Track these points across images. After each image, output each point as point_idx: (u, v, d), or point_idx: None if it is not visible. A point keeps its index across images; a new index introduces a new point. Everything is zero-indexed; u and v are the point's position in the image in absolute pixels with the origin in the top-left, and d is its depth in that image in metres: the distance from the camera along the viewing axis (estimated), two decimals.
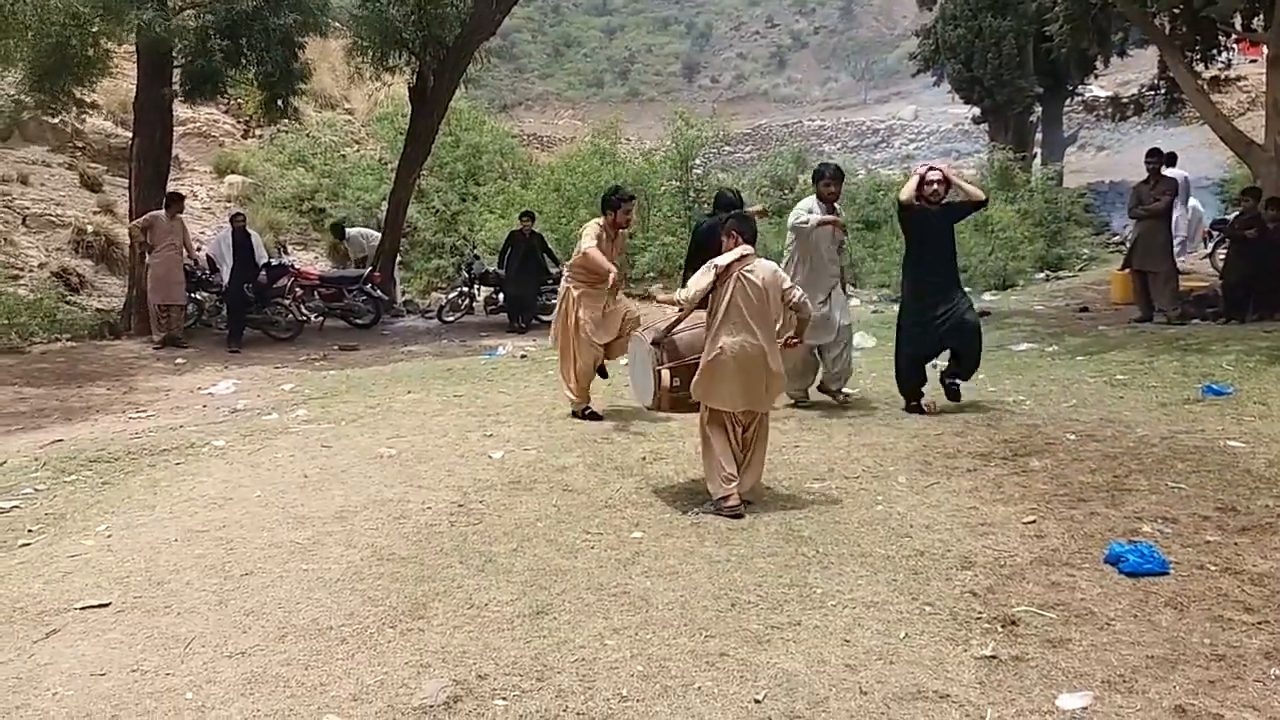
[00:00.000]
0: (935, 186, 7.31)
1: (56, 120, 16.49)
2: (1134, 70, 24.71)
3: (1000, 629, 3.58)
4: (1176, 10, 12.02)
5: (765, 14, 63.79)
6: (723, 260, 5.14)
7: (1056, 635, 3.51)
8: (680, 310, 5.37)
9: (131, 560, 4.62)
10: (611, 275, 7.15)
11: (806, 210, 7.50)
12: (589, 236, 7.37)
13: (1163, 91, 17.68)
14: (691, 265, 7.27)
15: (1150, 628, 3.54)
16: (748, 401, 5.13)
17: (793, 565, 4.28)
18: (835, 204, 7.63)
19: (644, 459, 6.23)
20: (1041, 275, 16.67)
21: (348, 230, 16.54)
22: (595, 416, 7.51)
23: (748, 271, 5.09)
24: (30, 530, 5.19)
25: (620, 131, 21.55)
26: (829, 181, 7.49)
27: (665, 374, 5.33)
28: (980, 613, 3.72)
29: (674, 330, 5.43)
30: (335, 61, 22.12)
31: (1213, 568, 4.04)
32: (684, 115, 20.93)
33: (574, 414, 7.55)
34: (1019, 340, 10.36)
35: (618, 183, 16.19)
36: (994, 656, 3.37)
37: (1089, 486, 5.25)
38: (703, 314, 5.28)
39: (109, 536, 5.01)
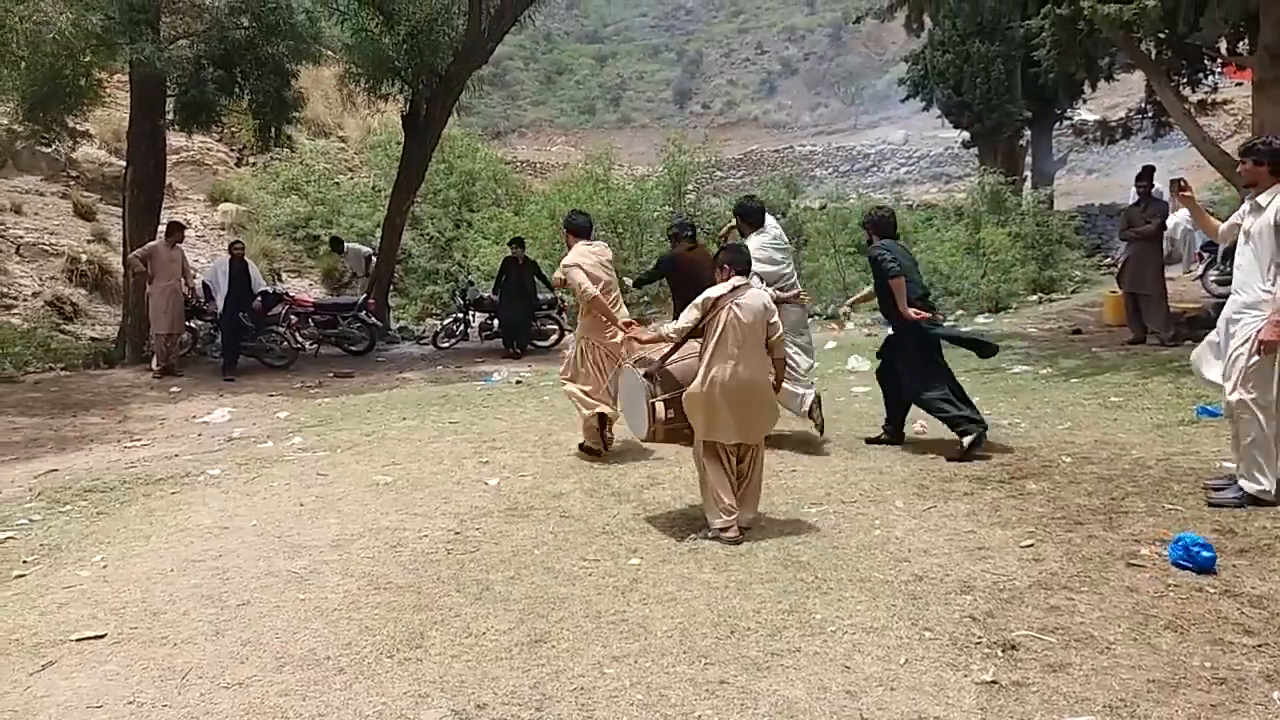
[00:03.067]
0: None
1: (50, 149, 16.57)
2: (1121, 94, 24.91)
3: (1000, 654, 3.58)
4: (1162, 36, 12.12)
5: (755, 41, 64.25)
6: (714, 292, 5.15)
7: (1057, 659, 3.51)
8: (671, 342, 5.36)
9: (127, 591, 4.59)
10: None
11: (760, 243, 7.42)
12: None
13: (1150, 115, 17.83)
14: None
15: (1151, 651, 3.54)
16: (741, 434, 5.12)
17: (791, 591, 4.27)
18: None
19: (641, 485, 6.22)
20: (1034, 298, 16.72)
21: (346, 245, 16.64)
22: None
23: (739, 303, 5.10)
24: (25, 561, 5.17)
25: (613, 158, 21.65)
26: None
27: (660, 406, 5.31)
28: (980, 637, 3.72)
29: (667, 361, 5.42)
30: (328, 89, 22.30)
31: (1212, 590, 4.04)
32: (676, 141, 21.06)
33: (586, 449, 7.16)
34: (1013, 363, 10.38)
35: (611, 210, 16.33)
36: (995, 681, 3.36)
37: (1086, 509, 5.25)
38: (697, 344, 5.28)
39: (104, 567, 4.99)
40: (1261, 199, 5.13)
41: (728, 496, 5.08)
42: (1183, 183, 5.86)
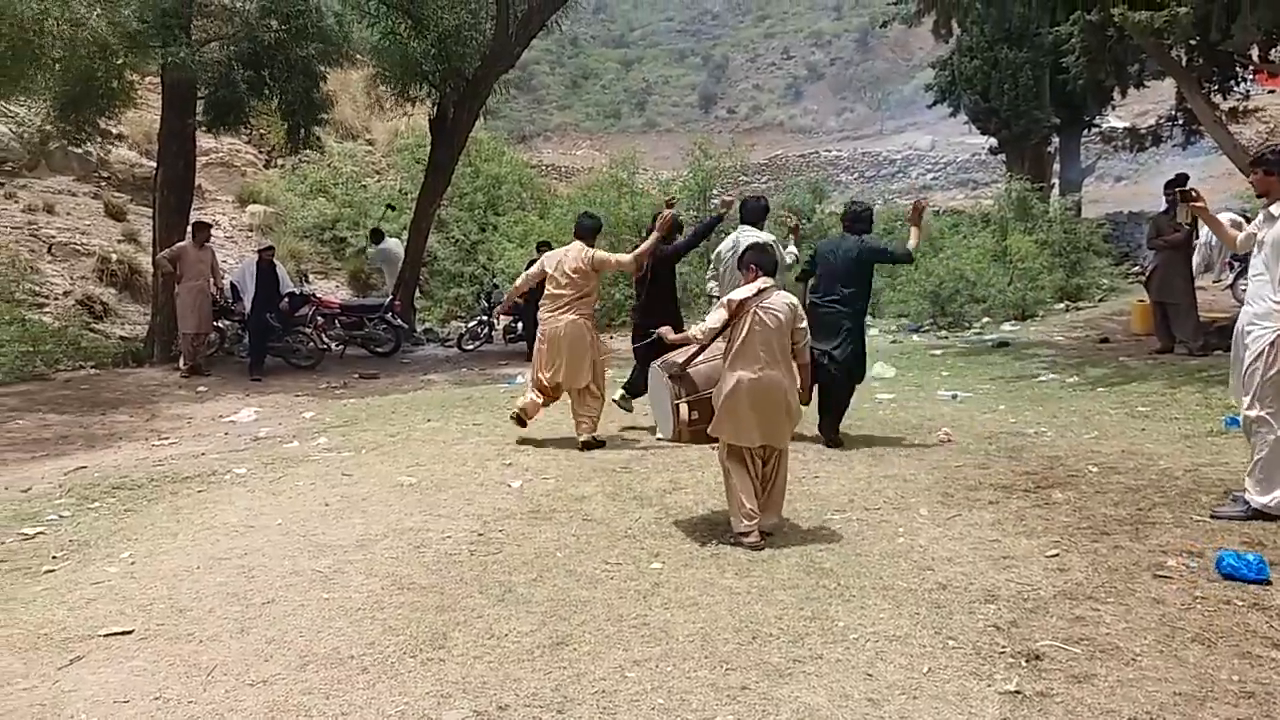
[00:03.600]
0: None
1: (82, 150, 16.75)
2: (1151, 101, 24.70)
3: (1024, 664, 3.55)
4: (1193, 42, 12.01)
5: (781, 46, 64.20)
6: (739, 295, 5.15)
7: (1082, 670, 3.48)
8: (698, 343, 5.36)
9: (154, 588, 4.64)
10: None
11: (733, 243, 7.74)
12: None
13: (1180, 123, 17.66)
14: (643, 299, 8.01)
15: (1177, 664, 3.50)
16: (765, 436, 5.11)
17: (814, 598, 4.26)
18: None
19: (663, 489, 6.22)
20: (1061, 306, 16.60)
21: (387, 239, 16.67)
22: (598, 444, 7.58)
23: (764, 306, 5.09)
24: (55, 557, 5.23)
25: (638, 162, 21.67)
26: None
27: (684, 408, 5.31)
28: (1004, 647, 3.70)
29: (692, 363, 5.42)
30: (356, 93, 22.44)
31: (1240, 603, 4.00)
32: (701, 145, 21.05)
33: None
34: (1039, 371, 10.31)
35: (636, 215, 16.33)
36: (1018, 692, 3.34)
37: (1112, 519, 5.21)
38: (722, 346, 5.28)
39: (132, 564, 5.04)
40: (1275, 209, 5.08)
41: (750, 501, 5.07)
42: (1194, 192, 5.79)
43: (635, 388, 8.09)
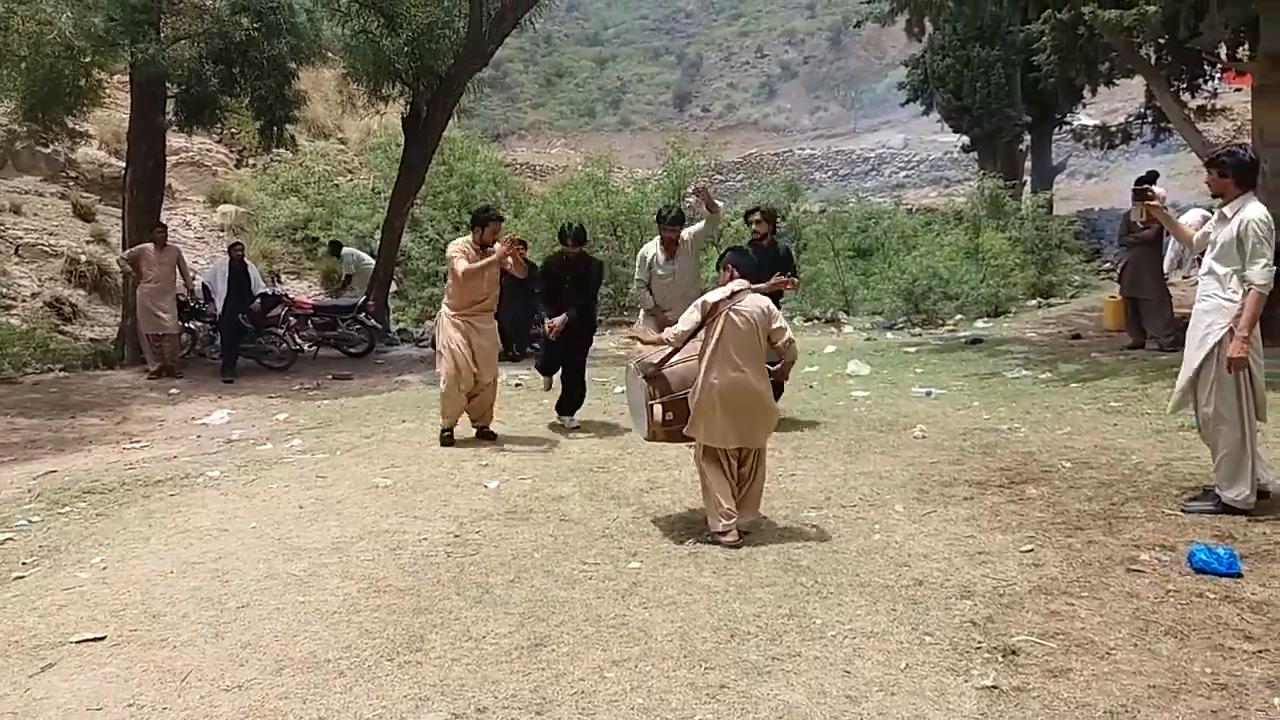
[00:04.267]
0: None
1: (49, 150, 16.57)
2: (1121, 99, 24.94)
3: (1001, 659, 3.58)
4: (1162, 41, 12.15)
5: (755, 44, 64.36)
6: (713, 296, 5.14)
7: (1057, 665, 3.51)
8: (670, 345, 5.35)
9: (127, 593, 4.58)
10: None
11: (650, 248, 7.99)
12: (457, 256, 7.51)
13: (1150, 120, 17.86)
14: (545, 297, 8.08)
15: (1151, 657, 3.54)
16: (740, 438, 5.11)
17: (791, 595, 4.27)
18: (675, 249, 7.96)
19: (640, 488, 6.22)
20: (1033, 302, 16.76)
21: (344, 249, 16.67)
22: (450, 441, 7.72)
23: (737, 308, 5.08)
24: (24, 563, 5.16)
25: (613, 161, 21.67)
26: (670, 225, 7.85)
27: (658, 409, 5.29)
28: (980, 642, 3.72)
29: (667, 364, 5.40)
30: (328, 91, 22.31)
31: (1212, 595, 4.04)
32: (676, 144, 21.08)
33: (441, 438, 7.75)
34: (1012, 367, 10.39)
35: (611, 213, 16.33)
36: (995, 687, 3.36)
37: (1086, 514, 5.25)
38: (698, 346, 5.27)
39: (104, 569, 4.98)
40: (1227, 210, 5.14)
41: (726, 501, 5.08)
42: (1149, 191, 5.84)
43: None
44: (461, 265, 7.43)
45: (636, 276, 8.10)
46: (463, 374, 7.52)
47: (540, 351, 8.78)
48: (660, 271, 7.90)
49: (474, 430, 7.94)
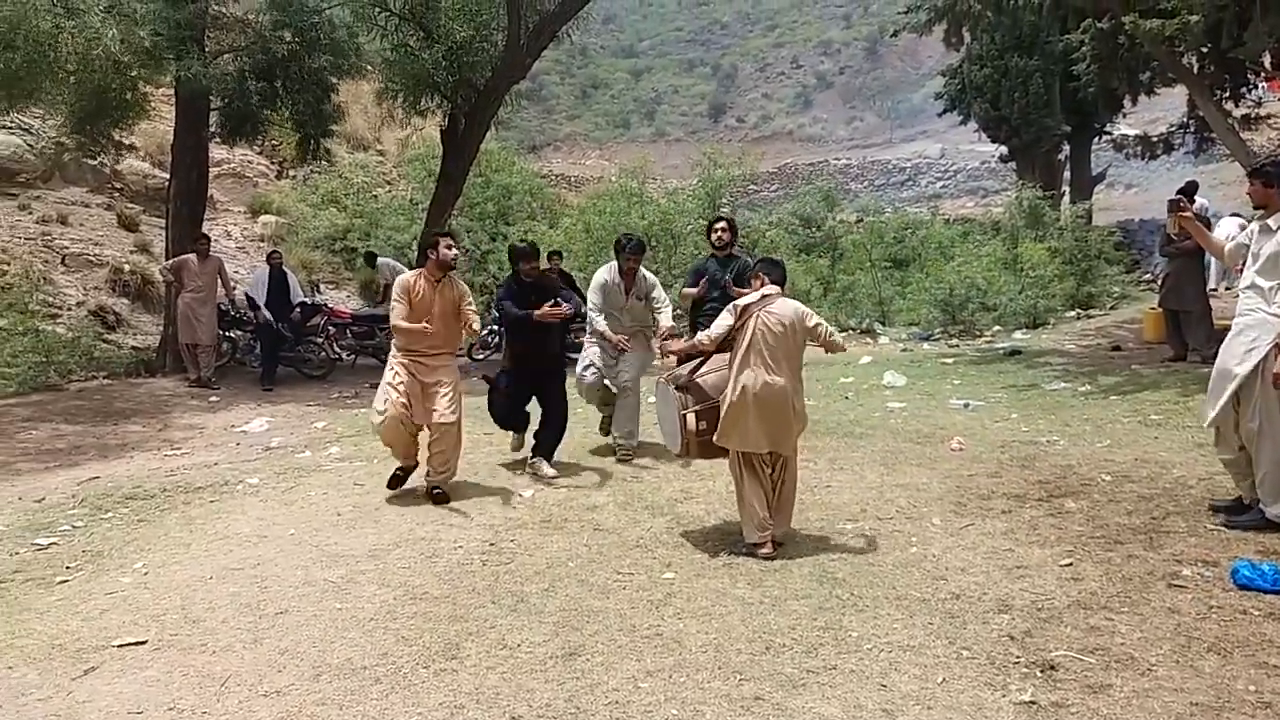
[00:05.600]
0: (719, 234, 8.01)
1: (96, 162, 16.91)
2: (1162, 108, 24.62)
3: (1039, 674, 3.53)
4: (1204, 49, 12.01)
5: (790, 55, 64.33)
6: (744, 300, 5.17)
7: (1097, 681, 3.46)
8: (703, 351, 5.36)
9: (167, 598, 4.65)
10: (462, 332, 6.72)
11: (606, 275, 7.59)
12: (398, 302, 6.37)
13: (1192, 130, 17.64)
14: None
15: (1194, 674, 3.48)
16: (772, 442, 5.10)
17: (827, 608, 4.25)
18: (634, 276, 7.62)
19: (674, 498, 6.22)
20: (1073, 314, 16.56)
21: (379, 259, 16.84)
22: (400, 481, 6.65)
23: (769, 311, 5.10)
24: (68, 567, 5.25)
25: (648, 171, 21.73)
26: (629, 255, 7.47)
27: (691, 418, 5.28)
28: (1018, 657, 3.68)
29: (698, 373, 5.42)
30: (367, 104, 22.55)
31: (1256, 612, 3.97)
32: (710, 155, 21.09)
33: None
34: (1051, 379, 10.28)
35: (645, 224, 16.33)
36: (1033, 702, 3.32)
37: (1126, 528, 5.18)
38: (727, 356, 5.28)
39: (145, 574, 5.06)
40: (1271, 222, 5.05)
41: (763, 510, 5.06)
42: (1181, 203, 5.74)
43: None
44: (398, 314, 6.34)
45: (593, 301, 7.52)
46: (398, 414, 6.34)
47: (499, 399, 7.48)
48: (615, 300, 7.57)
49: (424, 482, 6.55)
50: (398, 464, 6.69)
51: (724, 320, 5.17)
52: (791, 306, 5.17)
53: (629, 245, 7.51)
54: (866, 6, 63.66)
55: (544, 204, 23.08)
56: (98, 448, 8.76)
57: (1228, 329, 5.29)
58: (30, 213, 15.79)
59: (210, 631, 4.21)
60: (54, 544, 5.70)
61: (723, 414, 5.11)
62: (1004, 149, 24.07)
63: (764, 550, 4.97)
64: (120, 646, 4.07)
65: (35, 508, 6.60)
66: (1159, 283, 11.51)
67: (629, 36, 71.04)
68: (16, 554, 5.52)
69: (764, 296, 5.14)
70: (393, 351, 6.62)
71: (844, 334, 16.53)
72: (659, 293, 7.68)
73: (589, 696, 3.48)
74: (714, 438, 5.19)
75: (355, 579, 4.82)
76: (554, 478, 6.91)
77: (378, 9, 13.30)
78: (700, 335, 5.38)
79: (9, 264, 14.12)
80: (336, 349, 13.75)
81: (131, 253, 16.16)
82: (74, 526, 6.05)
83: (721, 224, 8.10)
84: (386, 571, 4.92)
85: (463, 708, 3.43)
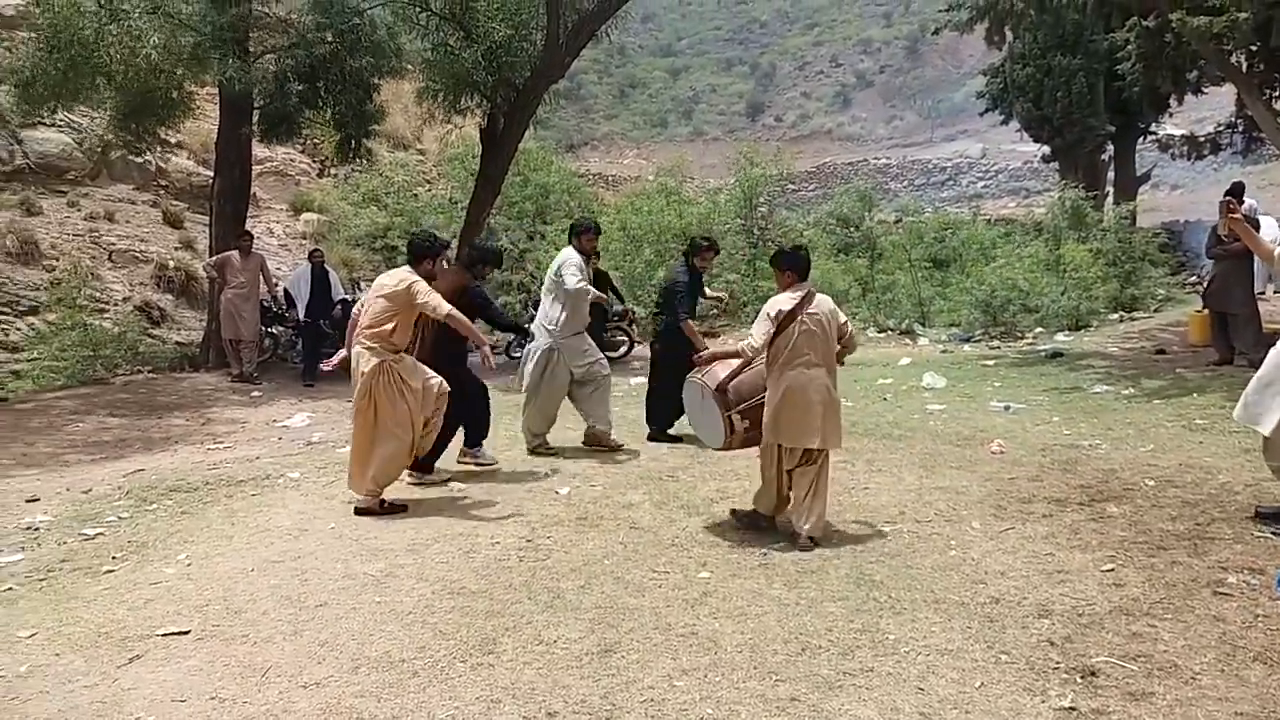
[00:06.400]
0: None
1: (141, 160, 17.21)
2: (1209, 108, 24.22)
3: (1079, 680, 3.49)
4: (1253, 48, 11.79)
5: (829, 54, 63.94)
6: (786, 304, 5.19)
7: (1139, 688, 3.41)
8: (744, 358, 5.37)
9: (210, 589, 4.72)
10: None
11: (577, 267, 7.68)
12: (421, 292, 6.11)
13: (1240, 129, 17.32)
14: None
15: (1238, 683, 3.42)
16: (821, 438, 5.15)
17: (864, 610, 4.23)
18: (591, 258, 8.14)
19: (710, 498, 6.21)
20: (1116, 316, 16.32)
21: None
22: (400, 509, 6.12)
23: (810, 312, 5.20)
24: (114, 557, 5.34)
25: (685, 171, 21.70)
26: (591, 236, 7.95)
27: (736, 419, 5.40)
28: (1058, 663, 3.64)
29: (736, 377, 5.45)
30: (408, 103, 22.68)
31: None
32: (748, 154, 21.03)
33: (374, 508, 6.06)
34: (1094, 382, 10.14)
35: (683, 224, 16.31)
36: (1073, 709, 3.28)
37: (1169, 534, 5.11)
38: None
39: (189, 565, 5.14)
40: None
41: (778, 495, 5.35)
42: (1231, 204, 5.64)
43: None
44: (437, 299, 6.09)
45: (579, 279, 7.57)
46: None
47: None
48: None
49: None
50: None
51: (764, 326, 5.20)
52: (827, 304, 5.31)
53: (591, 224, 8.12)
54: (907, 5, 63.11)
55: (581, 203, 23.11)
56: (143, 440, 8.91)
57: (1275, 333, 5.20)
58: (79, 209, 16.10)
59: (251, 623, 4.27)
60: (100, 534, 5.80)
61: (772, 414, 5.20)
62: (1046, 149, 23.78)
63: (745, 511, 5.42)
64: (164, 636, 4.14)
65: (83, 498, 6.73)
66: (1205, 285, 11.31)
67: (667, 35, 70.97)
68: (65, 543, 5.64)
69: (803, 298, 5.18)
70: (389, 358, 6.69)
71: (883, 334, 16.42)
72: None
73: (624, 694, 3.49)
74: (764, 435, 5.24)
75: (394, 573, 4.86)
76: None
77: (418, 9, 13.40)
78: (742, 345, 5.39)
79: (58, 260, 14.41)
80: None
81: (176, 249, 16.43)
82: (120, 518, 6.16)
83: (710, 252, 8.21)
84: (425, 566, 4.96)
85: (499, 702, 3.45)
